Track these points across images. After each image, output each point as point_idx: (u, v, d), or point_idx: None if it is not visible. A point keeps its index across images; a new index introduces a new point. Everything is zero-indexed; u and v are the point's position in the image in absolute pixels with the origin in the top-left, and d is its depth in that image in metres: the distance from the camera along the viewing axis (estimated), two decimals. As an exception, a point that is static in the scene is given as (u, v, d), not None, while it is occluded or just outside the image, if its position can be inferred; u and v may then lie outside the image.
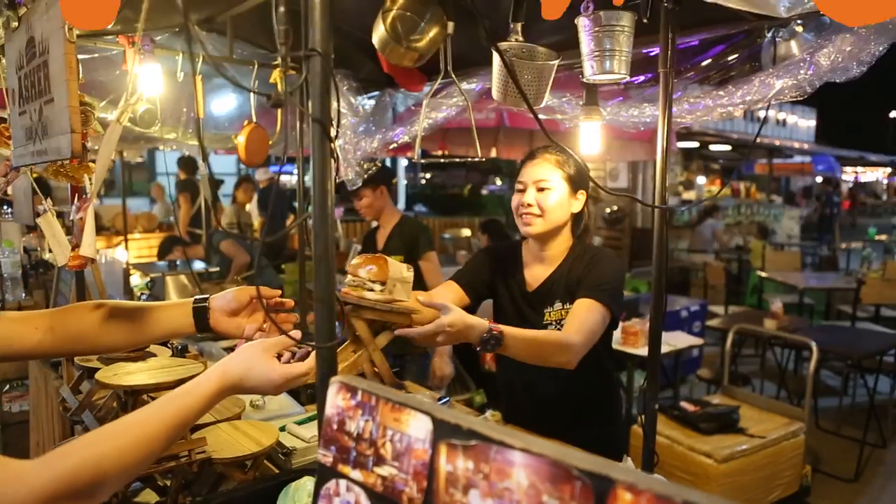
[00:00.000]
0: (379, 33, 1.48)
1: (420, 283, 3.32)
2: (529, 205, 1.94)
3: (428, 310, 1.51)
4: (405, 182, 20.35)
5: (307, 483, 1.48)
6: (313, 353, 1.17)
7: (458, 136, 6.61)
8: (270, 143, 2.96)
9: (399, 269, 1.44)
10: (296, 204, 9.63)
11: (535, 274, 2.08)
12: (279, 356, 1.19)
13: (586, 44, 1.71)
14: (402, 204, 17.94)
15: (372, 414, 0.79)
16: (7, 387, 3.29)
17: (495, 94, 1.67)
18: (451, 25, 1.42)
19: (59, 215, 1.99)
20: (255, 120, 2.84)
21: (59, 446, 0.89)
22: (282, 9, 0.86)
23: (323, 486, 0.84)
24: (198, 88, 2.81)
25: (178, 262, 4.96)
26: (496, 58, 1.60)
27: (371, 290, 1.38)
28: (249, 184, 6.81)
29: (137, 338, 1.40)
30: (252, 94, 2.76)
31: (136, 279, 4.05)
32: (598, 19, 1.71)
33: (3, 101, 2.47)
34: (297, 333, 1.18)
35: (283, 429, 1.83)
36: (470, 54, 2.53)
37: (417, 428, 0.74)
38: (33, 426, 2.93)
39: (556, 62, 1.82)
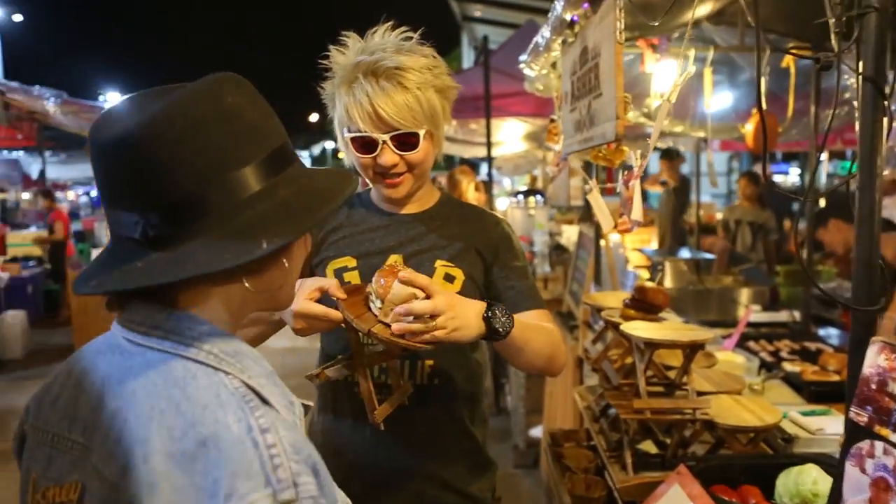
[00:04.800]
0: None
1: None
2: None
3: None
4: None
5: (812, 470, 1.44)
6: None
7: None
8: (780, 129, 2.86)
9: (400, 293, 1.15)
10: (794, 206, 8.86)
11: None
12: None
13: None
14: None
15: (923, 377, 0.76)
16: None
17: None
18: None
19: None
20: (764, 107, 2.77)
21: None
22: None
23: (854, 444, 0.84)
24: (707, 81, 2.92)
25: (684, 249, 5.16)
26: None
27: (373, 303, 1.20)
28: (753, 179, 6.39)
29: None
30: (762, 80, 2.71)
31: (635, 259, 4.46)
32: None
33: (550, 107, 3.03)
34: (330, 281, 1.20)
35: (784, 416, 1.80)
36: None
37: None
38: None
39: None
